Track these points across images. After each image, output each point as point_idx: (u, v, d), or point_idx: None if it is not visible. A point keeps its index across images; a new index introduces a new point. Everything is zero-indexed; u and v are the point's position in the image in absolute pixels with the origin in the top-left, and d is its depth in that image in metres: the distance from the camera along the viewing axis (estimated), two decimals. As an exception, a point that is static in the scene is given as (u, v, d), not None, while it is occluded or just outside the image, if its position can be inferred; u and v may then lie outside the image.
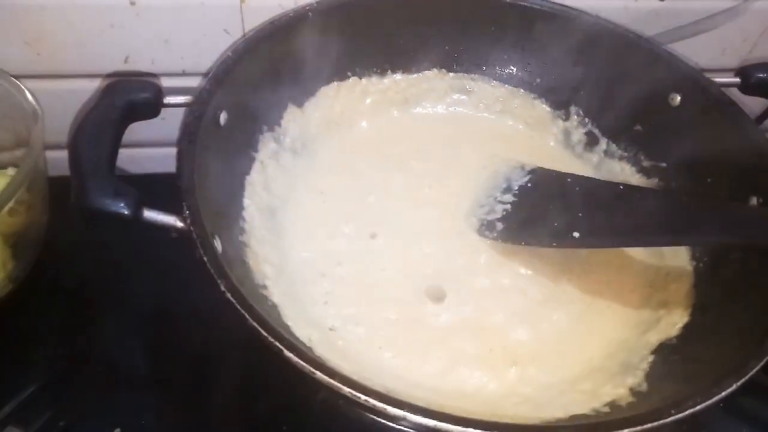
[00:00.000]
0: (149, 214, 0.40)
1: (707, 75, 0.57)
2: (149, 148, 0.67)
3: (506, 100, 0.65)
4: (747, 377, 0.35)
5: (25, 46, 0.60)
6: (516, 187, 0.56)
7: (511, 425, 0.32)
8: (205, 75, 0.50)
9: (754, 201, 0.48)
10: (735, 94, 0.57)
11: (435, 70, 0.65)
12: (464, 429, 0.31)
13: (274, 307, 0.45)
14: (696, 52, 0.68)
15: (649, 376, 0.44)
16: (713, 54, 0.71)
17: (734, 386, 0.35)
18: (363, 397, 0.32)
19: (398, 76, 0.64)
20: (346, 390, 0.33)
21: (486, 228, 0.54)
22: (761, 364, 0.36)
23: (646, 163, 0.59)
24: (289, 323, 0.44)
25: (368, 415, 0.49)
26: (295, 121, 0.59)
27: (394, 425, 0.49)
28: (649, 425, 0.33)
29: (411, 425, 0.32)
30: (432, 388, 0.42)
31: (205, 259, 0.37)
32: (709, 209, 0.48)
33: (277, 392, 0.52)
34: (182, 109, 0.50)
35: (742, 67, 0.55)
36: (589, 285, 0.52)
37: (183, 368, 0.54)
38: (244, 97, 0.53)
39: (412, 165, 0.60)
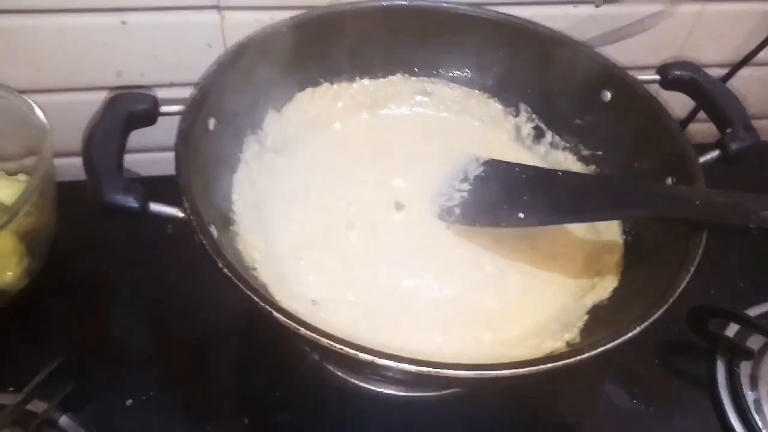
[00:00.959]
0: (155, 207, 0.46)
1: (641, 73, 0.63)
2: (150, 153, 0.72)
3: (463, 101, 0.72)
4: (649, 321, 0.43)
5: (26, 64, 0.65)
6: (471, 177, 0.64)
7: (458, 365, 0.39)
8: (194, 85, 0.56)
9: (669, 181, 0.56)
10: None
11: (399, 75, 0.71)
12: (421, 368, 0.39)
13: (263, 285, 0.52)
14: (631, 52, 0.76)
15: (583, 331, 0.52)
16: (647, 53, 0.78)
17: (638, 329, 0.42)
18: (337, 345, 0.39)
19: (366, 81, 0.70)
20: (324, 341, 0.39)
21: (446, 213, 0.62)
22: (661, 310, 0.44)
23: (585, 152, 0.67)
24: (277, 298, 0.51)
25: (347, 378, 0.57)
26: (275, 124, 0.64)
27: (367, 386, 0.57)
28: (567, 360, 0.40)
29: (378, 368, 0.40)
30: (398, 349, 0.49)
31: (204, 242, 0.44)
32: (632, 189, 0.56)
33: (269, 364, 0.59)
34: (175, 118, 0.54)
35: (661, 65, 0.63)
36: (536, 259, 0.60)
37: (185, 347, 0.61)
38: (228, 105, 0.58)
39: (381, 160, 0.67)
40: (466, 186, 0.63)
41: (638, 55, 0.77)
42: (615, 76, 0.63)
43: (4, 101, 0.62)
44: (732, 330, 0.65)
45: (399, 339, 0.52)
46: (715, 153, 0.56)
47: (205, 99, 0.55)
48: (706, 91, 0.60)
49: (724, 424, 0.60)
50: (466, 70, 0.71)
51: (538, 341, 0.52)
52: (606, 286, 0.55)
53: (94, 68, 0.67)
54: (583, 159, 0.67)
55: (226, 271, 0.43)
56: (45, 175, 0.57)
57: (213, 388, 0.58)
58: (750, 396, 0.61)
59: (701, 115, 0.80)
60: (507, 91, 0.71)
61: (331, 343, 0.39)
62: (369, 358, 0.39)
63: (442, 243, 0.60)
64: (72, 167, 0.61)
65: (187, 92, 0.55)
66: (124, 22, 0.64)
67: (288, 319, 0.40)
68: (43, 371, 0.53)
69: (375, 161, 0.67)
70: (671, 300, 0.44)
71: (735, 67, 0.82)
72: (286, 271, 0.56)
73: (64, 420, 0.53)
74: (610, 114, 0.64)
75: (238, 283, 0.42)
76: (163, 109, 0.55)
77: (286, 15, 0.64)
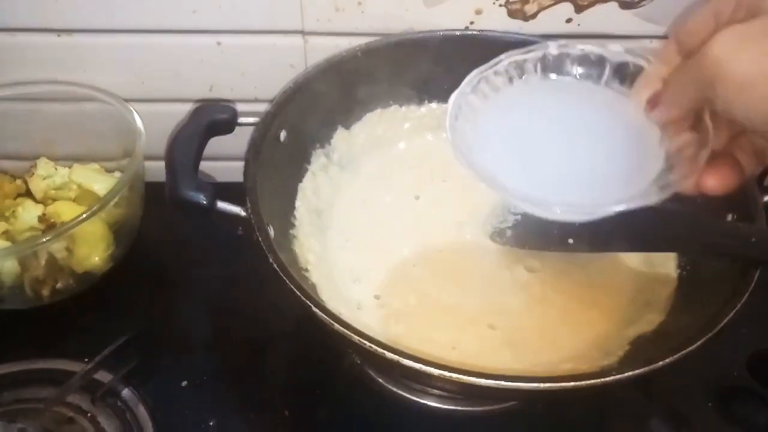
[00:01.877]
0: (221, 205, 0.51)
1: None
2: (226, 161, 0.76)
3: (528, 129, 0.73)
4: (685, 352, 0.42)
5: (133, 76, 0.72)
6: None
7: (495, 374, 0.40)
8: (271, 101, 0.62)
9: (729, 217, 0.55)
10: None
11: (466, 101, 0.74)
12: (441, 372, 0.40)
13: (313, 286, 0.55)
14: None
15: (622, 360, 0.51)
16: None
17: (672, 358, 0.42)
18: (367, 343, 0.42)
19: (434, 105, 0.72)
20: (356, 338, 0.42)
21: (497, 234, 0.63)
22: (699, 342, 0.43)
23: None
24: (324, 299, 0.54)
25: (385, 384, 0.59)
26: (343, 140, 0.68)
27: (405, 394, 0.58)
28: (592, 381, 0.41)
29: (403, 370, 0.42)
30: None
31: (260, 239, 0.48)
32: (689, 222, 0.54)
33: (313, 360, 0.62)
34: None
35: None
36: (583, 286, 0.59)
37: (240, 340, 0.65)
38: (300, 120, 0.62)
39: (441, 180, 0.69)
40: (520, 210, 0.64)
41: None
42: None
43: (111, 108, 0.71)
44: (797, 380, 0.61)
45: (438, 351, 0.53)
46: (779, 193, 0.54)
47: (279, 113, 0.60)
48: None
49: (781, 481, 0.56)
50: (536, 100, 0.72)
51: (575, 365, 0.52)
52: (652, 319, 0.54)
53: (190, 82, 0.74)
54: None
55: (275, 266, 0.47)
56: (135, 173, 0.64)
57: (260, 381, 0.62)
58: (813, 453, 0.57)
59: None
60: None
61: (362, 341, 0.42)
62: (395, 357, 0.41)
63: (491, 263, 0.62)
64: (162, 170, 0.67)
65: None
66: (219, 43, 0.70)
67: (326, 315, 0.43)
68: (111, 345, 0.58)
69: (435, 181, 0.69)
70: (709, 335, 0.43)
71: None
72: (336, 275, 0.59)
73: (126, 392, 0.59)
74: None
75: (284, 277, 0.46)
76: (242, 120, 0.61)
77: (364, 41, 0.68)
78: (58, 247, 0.63)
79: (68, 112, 0.74)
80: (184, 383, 0.61)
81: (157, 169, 0.71)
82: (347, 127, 0.69)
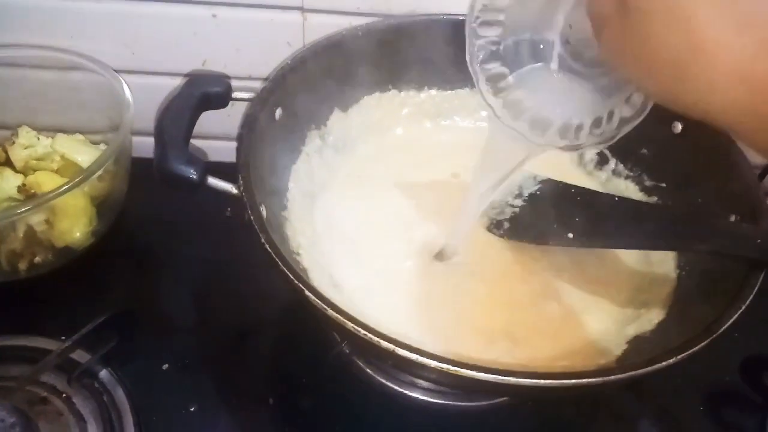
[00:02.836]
0: (212, 181, 0.49)
1: None
2: (218, 140, 0.76)
3: (529, 121, 0.72)
4: (686, 354, 0.41)
5: (124, 46, 0.69)
6: (526, 194, 0.63)
7: (475, 366, 0.39)
8: (266, 79, 0.59)
9: (732, 218, 0.54)
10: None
11: (467, 89, 0.71)
12: (440, 364, 0.39)
13: (304, 270, 0.53)
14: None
15: (619, 359, 0.50)
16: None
17: (672, 360, 0.40)
18: (362, 331, 0.40)
19: (433, 92, 0.71)
20: (350, 325, 0.40)
21: (494, 226, 0.61)
22: (700, 346, 0.41)
23: (648, 183, 0.65)
24: (314, 284, 0.52)
25: (373, 375, 0.57)
26: (339, 122, 0.66)
27: (393, 386, 0.57)
28: (590, 380, 0.39)
29: (399, 360, 0.40)
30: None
31: (252, 218, 0.46)
32: (691, 221, 0.54)
33: (300, 348, 0.61)
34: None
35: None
36: (582, 283, 0.58)
37: (225, 324, 0.63)
38: (297, 99, 0.60)
39: (438, 166, 0.67)
40: (519, 202, 0.63)
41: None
42: (688, 107, 0.61)
43: (100, 77, 0.68)
44: (790, 387, 0.61)
45: (432, 339, 0.52)
46: (786, 194, 0.53)
47: (275, 90, 0.58)
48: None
49: (772, 487, 0.56)
50: (535, 90, 0.71)
51: (571, 363, 0.50)
52: (651, 318, 0.53)
53: (182, 55, 0.71)
54: (645, 189, 0.65)
55: (267, 246, 0.45)
56: (121, 145, 0.62)
57: (244, 366, 0.60)
58: (805, 459, 0.56)
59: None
60: (574, 116, 0.70)
61: (356, 327, 0.40)
62: (390, 347, 0.40)
63: (489, 256, 0.60)
64: (150, 146, 0.65)
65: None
66: (214, 15, 0.68)
67: (317, 298, 0.41)
68: (89, 324, 0.56)
69: (431, 169, 0.67)
70: (713, 336, 0.42)
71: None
72: (328, 260, 0.57)
73: (104, 374, 0.57)
74: (678, 146, 0.62)
75: (276, 258, 0.44)
76: (236, 94, 0.58)
77: (365, 21, 0.66)
78: (37, 219, 0.60)
79: (54, 80, 0.70)
80: (165, 366, 0.59)
81: (144, 145, 0.69)
82: (344, 109, 0.67)
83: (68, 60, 0.68)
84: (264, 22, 0.68)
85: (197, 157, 0.49)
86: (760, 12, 0.30)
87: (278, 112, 0.58)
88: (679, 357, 0.41)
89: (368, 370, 0.59)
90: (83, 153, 0.68)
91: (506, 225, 0.61)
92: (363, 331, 0.40)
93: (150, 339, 0.61)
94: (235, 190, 0.49)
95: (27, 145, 0.69)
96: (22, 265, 0.62)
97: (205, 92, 0.55)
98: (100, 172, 0.61)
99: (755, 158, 0.59)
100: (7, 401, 0.51)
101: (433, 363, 0.39)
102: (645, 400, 0.61)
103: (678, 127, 0.62)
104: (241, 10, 0.68)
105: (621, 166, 0.67)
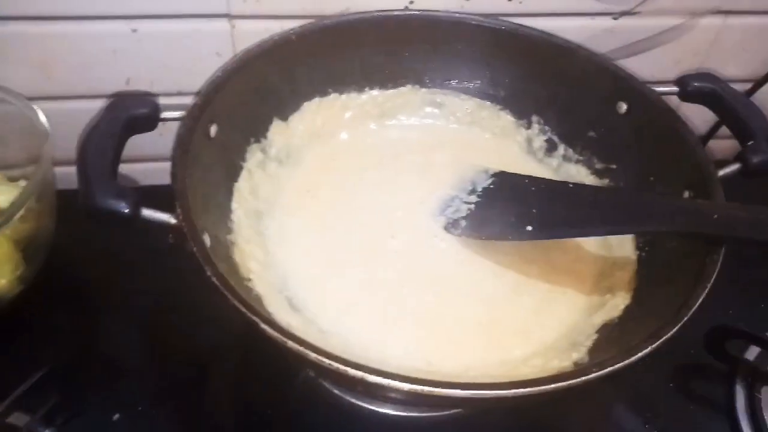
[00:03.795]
0: (147, 213, 0.45)
1: (660, 87, 0.61)
2: (150, 162, 0.73)
3: (474, 112, 0.70)
4: (661, 341, 0.40)
5: (38, 71, 0.65)
6: (480, 190, 0.62)
7: (455, 383, 0.37)
8: (197, 94, 0.56)
9: (687, 194, 0.54)
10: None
11: (409, 86, 0.69)
12: (413, 386, 0.37)
13: (258, 297, 0.50)
14: (650, 66, 0.74)
15: (591, 351, 0.49)
16: (667, 67, 0.76)
17: (648, 349, 0.40)
18: (327, 361, 0.37)
19: (375, 92, 0.69)
20: (313, 356, 0.37)
21: (452, 225, 0.60)
22: (674, 330, 0.41)
23: (598, 166, 0.64)
24: (271, 310, 0.49)
25: (342, 396, 0.55)
26: (280, 133, 0.63)
27: (364, 405, 0.54)
28: (573, 381, 0.38)
29: (369, 386, 0.37)
30: (397, 367, 0.46)
31: (195, 249, 0.43)
32: (647, 202, 0.53)
33: (263, 381, 0.57)
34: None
35: (680, 77, 0.61)
36: (544, 275, 0.57)
37: (178, 360, 0.60)
38: (232, 112, 0.57)
39: (388, 171, 0.65)
40: (473, 198, 0.61)
41: (657, 70, 0.75)
42: (631, 87, 0.61)
43: (11, 107, 0.62)
44: (752, 353, 0.62)
45: (397, 356, 0.50)
46: (735, 166, 0.54)
47: (207, 105, 0.54)
48: (728, 103, 0.57)
49: (744, 453, 0.56)
50: (478, 81, 0.70)
51: (544, 360, 0.49)
52: (617, 304, 0.53)
53: (103, 76, 0.67)
54: (596, 172, 0.65)
55: (213, 279, 0.41)
56: (42, 180, 0.57)
57: (205, 405, 0.57)
58: (772, 423, 0.57)
59: (723, 131, 0.79)
60: (519, 103, 0.69)
61: (319, 357, 0.38)
62: (359, 374, 0.37)
63: (449, 257, 0.58)
64: (75, 176, 0.61)
65: (194, 101, 0.55)
66: (134, 30, 0.64)
67: (275, 331, 0.38)
68: (25, 383, 0.51)
69: (381, 173, 0.65)
70: (684, 319, 0.42)
71: (758, 83, 0.79)
72: (283, 283, 0.54)
73: (48, 435, 0.52)
74: (625, 126, 0.62)
75: (226, 292, 0.41)
76: (165, 114, 0.54)
77: (297, 24, 0.63)
78: (-46, 271, 0.55)
79: (-41, 114, 0.64)
80: (116, 417, 0.55)
81: (69, 176, 0.63)
82: (284, 118, 0.65)
83: (-27, 91, 0.62)
84: (189, 33, 0.65)
85: (127, 188, 0.45)
86: None
87: (213, 128, 0.55)
88: (654, 345, 0.40)
89: (336, 392, 0.56)
90: (2, 192, 0.62)
91: (463, 223, 0.59)
92: (328, 361, 0.37)
93: (96, 389, 0.56)
94: (173, 220, 0.45)
95: (-64, 188, 0.62)
96: (-57, 322, 0.56)
97: (129, 116, 0.50)
98: (21, 212, 0.56)
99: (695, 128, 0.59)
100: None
101: (405, 386, 0.37)
102: (617, 385, 0.61)
103: (623, 107, 0.62)
104: (163, 22, 0.64)
105: (570, 151, 0.67)
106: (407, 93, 0.70)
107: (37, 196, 0.57)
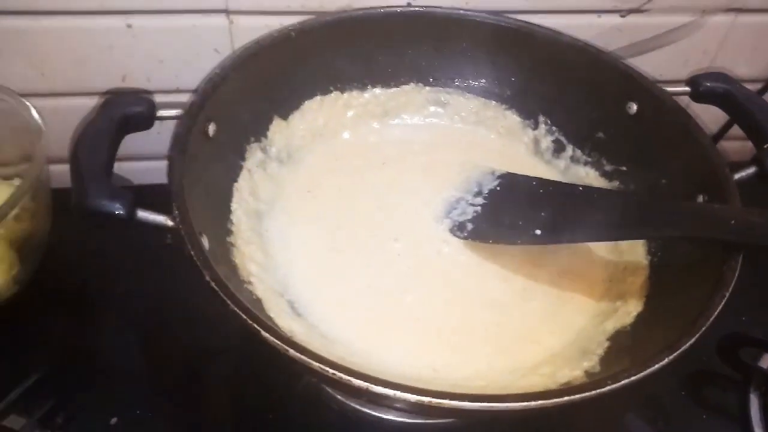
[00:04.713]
0: (143, 214, 0.43)
1: (670, 86, 0.60)
2: (147, 161, 0.71)
3: (479, 112, 0.69)
4: (678, 352, 0.39)
5: (31, 67, 0.64)
6: (486, 191, 0.60)
7: (462, 395, 0.35)
8: (194, 91, 0.54)
9: (701, 199, 0.52)
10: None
11: (412, 84, 0.68)
12: (419, 397, 0.35)
13: (258, 300, 0.49)
14: (659, 64, 0.72)
15: (603, 359, 0.47)
16: (675, 66, 0.75)
17: (666, 360, 0.38)
18: (330, 370, 0.36)
19: (378, 90, 0.67)
20: (316, 365, 0.36)
21: (458, 228, 0.58)
22: (692, 340, 0.40)
23: (608, 167, 0.63)
24: (272, 315, 0.48)
25: (346, 402, 0.53)
26: (280, 132, 0.62)
27: (369, 411, 0.53)
28: (587, 394, 0.36)
29: (374, 396, 0.36)
30: (401, 375, 0.45)
31: (192, 253, 0.41)
32: (660, 206, 0.52)
33: (264, 384, 0.56)
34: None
35: (692, 76, 0.59)
36: (554, 281, 0.56)
37: (176, 363, 0.58)
38: (231, 111, 0.56)
39: (391, 171, 0.64)
40: (479, 200, 0.60)
41: (666, 69, 0.74)
42: (641, 86, 0.59)
43: (4, 104, 0.61)
44: (766, 361, 0.60)
45: (402, 363, 0.48)
46: (751, 169, 0.52)
47: (205, 103, 0.53)
48: (743, 104, 0.56)
49: (758, 463, 0.55)
50: (483, 80, 0.68)
51: (554, 369, 0.48)
52: (629, 311, 0.51)
53: (98, 72, 0.66)
54: (606, 174, 0.63)
55: (212, 284, 0.40)
56: (37, 178, 0.55)
57: (205, 407, 0.55)
58: (786, 433, 0.56)
59: (733, 132, 0.77)
60: (526, 102, 0.68)
61: (323, 367, 0.36)
62: (364, 384, 0.35)
63: (454, 261, 0.57)
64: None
65: (192, 99, 0.54)
66: (129, 26, 0.63)
67: (276, 339, 0.37)
68: (21, 385, 0.50)
69: (384, 173, 0.64)
70: (703, 329, 0.40)
71: (770, 82, 0.77)
72: (284, 287, 0.53)
73: (44, 438, 0.51)
74: (635, 127, 0.60)
75: (225, 298, 0.39)
76: (161, 113, 0.54)
77: (296, 20, 0.62)
78: (-54, 272, 0.53)
79: (-49, 110, 0.63)
80: (114, 421, 0.54)
81: (65, 175, 0.62)
82: (284, 117, 0.63)
83: (-33, 88, 0.61)
84: (186, 29, 0.64)
85: (122, 189, 0.43)
86: None
87: (211, 127, 0.54)
88: (671, 357, 0.39)
89: (339, 397, 0.54)
90: (-6, 191, 0.60)
91: (469, 226, 0.58)
92: (331, 371, 0.36)
93: (93, 392, 0.55)
94: (170, 222, 0.44)
95: (-73, 186, 0.61)
96: (-66, 326, 0.54)
97: (124, 114, 0.49)
98: (16, 211, 0.54)
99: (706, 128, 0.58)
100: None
101: (413, 397, 0.35)
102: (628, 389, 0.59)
103: (633, 107, 0.60)
104: (159, 17, 0.63)
105: (579, 152, 0.66)
106: (411, 91, 0.69)
107: (32, 194, 0.56)
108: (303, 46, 0.61)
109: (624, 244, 0.57)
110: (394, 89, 0.68)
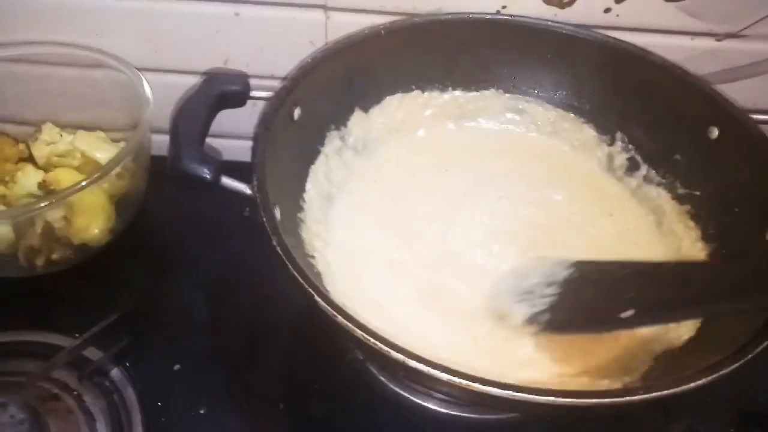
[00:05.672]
0: (226, 181, 0.48)
1: (759, 115, 0.58)
2: (236, 140, 0.75)
3: (556, 123, 0.69)
4: (719, 374, 0.38)
5: (146, 43, 0.69)
6: (560, 280, 0.53)
7: (489, 381, 0.37)
8: (286, 77, 0.58)
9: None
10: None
11: (492, 90, 0.69)
12: (452, 377, 0.37)
13: (318, 274, 0.52)
14: (753, 94, 0.69)
15: (644, 376, 0.47)
16: (769, 96, 0.72)
17: (702, 381, 0.38)
18: (371, 340, 0.38)
19: (457, 93, 0.69)
20: (359, 333, 0.39)
21: (532, 321, 0.52)
22: (735, 365, 0.39)
23: (681, 191, 0.62)
24: (329, 288, 0.51)
25: (387, 383, 0.56)
26: (360, 123, 0.65)
27: (408, 396, 0.55)
28: (616, 399, 0.37)
29: (410, 371, 0.38)
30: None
31: (264, 219, 0.45)
32: (751, 276, 0.47)
33: (314, 353, 0.59)
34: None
35: (783, 107, 0.57)
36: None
37: (237, 327, 0.62)
38: (317, 98, 0.59)
39: (459, 173, 0.65)
40: (552, 290, 0.53)
41: (761, 98, 0.70)
42: (725, 111, 0.58)
43: (121, 75, 0.68)
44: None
45: (447, 354, 0.50)
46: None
47: (294, 89, 0.57)
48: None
49: None
50: (564, 91, 0.69)
51: (592, 379, 0.48)
52: (681, 335, 0.50)
53: (205, 54, 0.71)
54: (678, 198, 0.62)
55: (278, 249, 0.43)
56: (140, 143, 0.61)
57: (257, 370, 0.59)
58: None
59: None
60: (604, 118, 0.67)
61: (365, 336, 0.39)
62: (401, 357, 0.38)
63: (507, 262, 0.58)
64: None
65: (283, 85, 0.57)
66: (237, 14, 0.67)
67: (326, 303, 0.40)
68: (101, 323, 0.55)
69: (453, 173, 0.66)
70: (749, 356, 0.39)
71: None
72: (344, 263, 0.56)
73: (115, 372, 0.56)
74: (715, 153, 0.59)
75: (288, 262, 0.42)
76: (254, 93, 0.58)
77: (388, 20, 0.64)
78: (55, 216, 0.60)
79: (76, 77, 0.71)
80: (177, 367, 0.58)
81: (164, 143, 0.68)
82: (365, 109, 0.66)
83: (90, 57, 0.68)
84: (287, 21, 0.67)
85: (212, 156, 0.48)
86: None
87: (297, 111, 0.57)
88: (708, 378, 0.38)
89: (382, 378, 0.57)
90: (103, 150, 0.68)
91: (546, 316, 0.51)
92: (372, 340, 0.38)
93: (162, 339, 0.60)
94: (249, 191, 0.48)
95: (49, 141, 0.69)
96: (40, 262, 0.62)
97: (222, 91, 0.54)
98: (118, 169, 0.60)
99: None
100: (19, 396, 0.51)
101: (444, 376, 0.37)
102: (673, 419, 0.58)
103: (714, 132, 0.59)
104: (264, 8, 0.67)
105: (653, 173, 0.64)
106: (490, 97, 0.70)
107: (134, 157, 0.62)
108: (391, 44, 0.63)
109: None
110: (473, 93, 0.69)
